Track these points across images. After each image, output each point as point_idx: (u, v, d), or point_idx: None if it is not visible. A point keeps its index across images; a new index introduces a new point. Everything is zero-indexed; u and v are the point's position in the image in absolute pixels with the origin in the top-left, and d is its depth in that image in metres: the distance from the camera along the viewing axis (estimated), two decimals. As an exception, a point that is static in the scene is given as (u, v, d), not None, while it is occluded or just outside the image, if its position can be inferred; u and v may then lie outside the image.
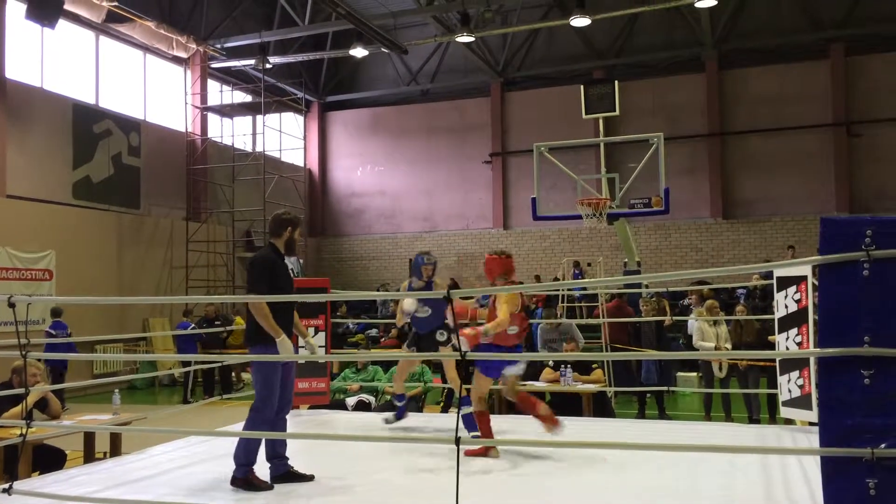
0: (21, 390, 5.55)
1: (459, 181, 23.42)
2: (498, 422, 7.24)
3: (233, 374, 14.58)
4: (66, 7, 14.77)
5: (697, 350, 9.53)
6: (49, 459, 6.30)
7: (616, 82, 13.86)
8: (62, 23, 14.85)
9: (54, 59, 16.01)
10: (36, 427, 4.91)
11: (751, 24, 20.51)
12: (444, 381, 9.44)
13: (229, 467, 4.80)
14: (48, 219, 15.14)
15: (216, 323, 13.33)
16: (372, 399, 8.73)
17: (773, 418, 8.84)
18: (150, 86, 18.84)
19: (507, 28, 20.84)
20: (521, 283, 6.09)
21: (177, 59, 19.44)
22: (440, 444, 5.69)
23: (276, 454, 4.95)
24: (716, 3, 16.62)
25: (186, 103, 19.71)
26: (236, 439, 4.86)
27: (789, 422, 6.78)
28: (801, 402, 5.95)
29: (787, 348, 5.93)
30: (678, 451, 5.27)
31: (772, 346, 7.63)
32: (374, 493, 4.82)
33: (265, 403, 4.79)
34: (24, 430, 4.38)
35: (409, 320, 6.54)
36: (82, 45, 16.90)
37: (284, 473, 4.93)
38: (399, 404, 6.77)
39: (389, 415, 6.84)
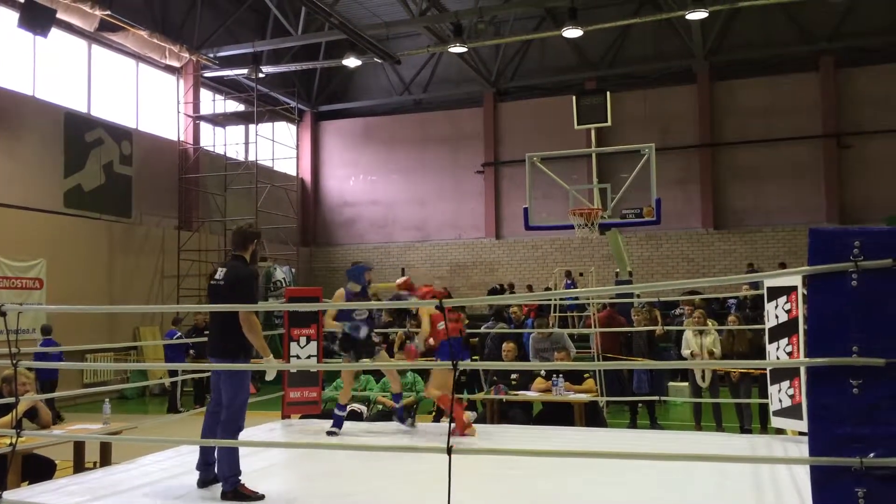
0: (11, 400, 5.52)
1: (452, 191, 23.45)
2: (491, 430, 7.22)
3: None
4: (59, 16, 14.77)
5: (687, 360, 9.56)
6: (39, 469, 6.25)
7: (608, 93, 13.92)
8: (54, 31, 14.81)
9: (46, 67, 15.98)
10: (26, 437, 4.89)
11: (742, 36, 20.67)
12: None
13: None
14: (39, 227, 15.07)
15: (205, 332, 13.22)
16: (363, 409, 8.74)
17: (765, 428, 8.86)
18: (142, 95, 18.81)
19: (500, 39, 20.95)
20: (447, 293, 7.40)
21: (169, 68, 19.43)
22: (432, 453, 5.67)
23: (208, 462, 5.04)
24: (707, 15, 16.74)
25: (179, 112, 19.68)
26: (224, 449, 4.87)
27: (780, 431, 6.80)
28: (792, 411, 5.97)
29: (778, 358, 5.95)
30: (669, 460, 5.28)
31: (763, 355, 7.65)
32: (369, 502, 4.81)
33: (238, 415, 4.89)
34: (14, 440, 4.35)
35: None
36: (75, 54, 16.87)
37: (214, 479, 5.01)
38: (340, 414, 7.09)
39: (327, 426, 7.15)
